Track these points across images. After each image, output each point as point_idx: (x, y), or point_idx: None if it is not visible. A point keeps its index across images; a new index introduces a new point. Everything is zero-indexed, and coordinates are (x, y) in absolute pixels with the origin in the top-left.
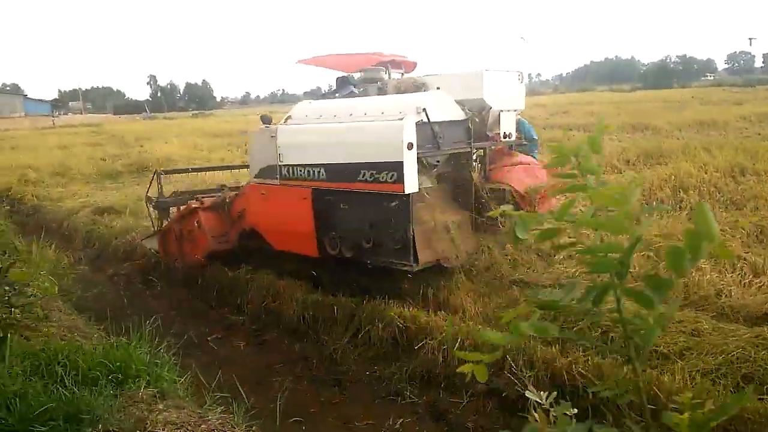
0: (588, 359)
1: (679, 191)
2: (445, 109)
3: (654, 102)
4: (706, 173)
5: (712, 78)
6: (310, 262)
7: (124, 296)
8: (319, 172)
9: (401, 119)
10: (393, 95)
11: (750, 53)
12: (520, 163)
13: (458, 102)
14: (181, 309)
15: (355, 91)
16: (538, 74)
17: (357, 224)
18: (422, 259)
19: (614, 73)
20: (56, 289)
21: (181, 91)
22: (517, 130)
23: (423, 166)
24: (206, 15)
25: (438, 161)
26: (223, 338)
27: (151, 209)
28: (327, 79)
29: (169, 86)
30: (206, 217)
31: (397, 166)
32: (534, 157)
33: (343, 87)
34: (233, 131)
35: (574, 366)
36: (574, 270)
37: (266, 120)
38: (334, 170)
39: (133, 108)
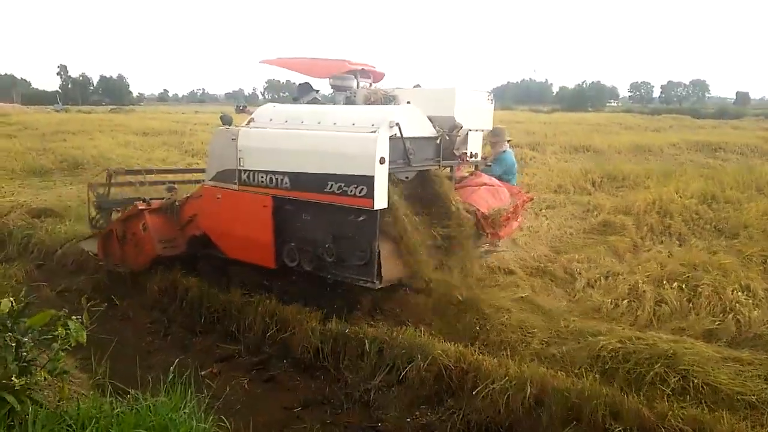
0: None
1: (665, 217)
2: (417, 125)
3: (579, 124)
4: (681, 198)
5: (616, 104)
6: (262, 272)
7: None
8: (282, 180)
9: (374, 132)
10: (365, 106)
11: (650, 83)
12: (485, 185)
13: (428, 118)
14: (157, 336)
15: (318, 97)
16: None
17: (319, 237)
18: (386, 277)
19: (529, 94)
20: (84, 334)
21: (95, 84)
22: (498, 160)
23: (392, 182)
24: (122, 4)
25: (407, 177)
26: (220, 373)
27: (92, 210)
28: (252, 82)
29: (81, 78)
30: (153, 220)
31: (368, 181)
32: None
33: (306, 93)
34: (163, 129)
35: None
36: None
37: (226, 120)
38: (300, 179)
39: (42, 98)
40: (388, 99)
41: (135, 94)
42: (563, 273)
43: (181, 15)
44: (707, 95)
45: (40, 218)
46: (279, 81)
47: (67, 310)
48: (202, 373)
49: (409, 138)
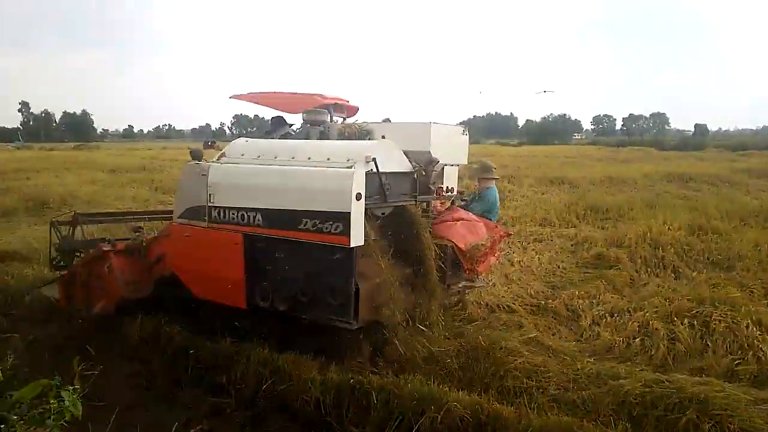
0: None
1: (657, 249)
2: (393, 160)
3: (548, 156)
4: (670, 230)
5: (580, 137)
6: (235, 313)
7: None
8: (254, 216)
9: (350, 167)
10: (340, 141)
11: (612, 116)
12: (462, 219)
13: (404, 153)
14: (140, 389)
15: (292, 132)
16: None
17: (293, 276)
18: (363, 317)
19: (494, 127)
20: (80, 407)
21: (58, 120)
22: (483, 195)
23: (368, 218)
24: (83, 38)
25: (383, 213)
26: (210, 431)
27: (53, 251)
28: (220, 116)
29: (44, 114)
30: (118, 262)
31: (344, 217)
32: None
33: (280, 127)
34: (131, 166)
35: None
36: None
37: (196, 155)
38: (272, 216)
39: (3, 135)
40: (363, 133)
41: (99, 130)
42: (565, 310)
43: (144, 49)
44: (667, 127)
45: (4, 262)
46: (247, 116)
47: (60, 378)
48: (192, 431)
49: (386, 173)
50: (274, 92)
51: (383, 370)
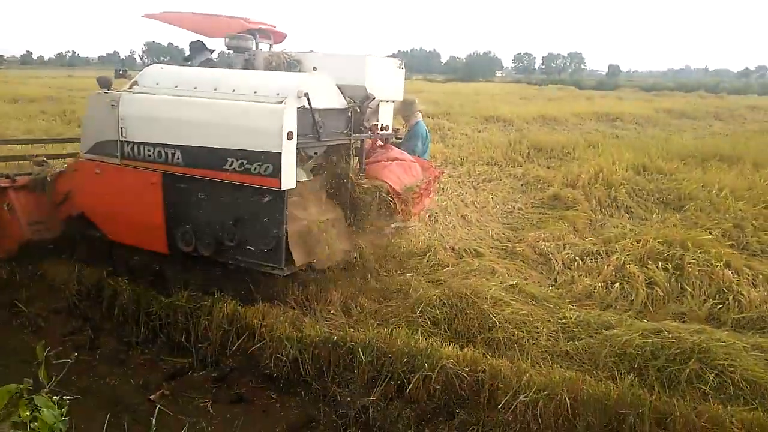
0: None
1: (610, 189)
2: (326, 96)
3: (478, 94)
4: (617, 170)
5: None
6: (154, 258)
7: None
8: (173, 154)
9: (280, 103)
10: (269, 72)
11: (532, 54)
12: (396, 159)
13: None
14: (83, 350)
15: (213, 58)
16: None
17: (218, 219)
18: (296, 262)
19: (416, 63)
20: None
21: None
22: (414, 133)
23: (299, 158)
24: None
25: (315, 153)
26: (172, 395)
27: None
28: (129, 44)
29: None
30: (20, 199)
31: (274, 158)
32: (425, 158)
33: (199, 53)
34: (37, 96)
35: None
36: None
37: (104, 83)
38: (194, 154)
39: None
40: (292, 64)
41: None
42: (533, 253)
43: None
44: (583, 67)
45: None
46: (160, 44)
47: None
48: (151, 397)
49: (319, 109)
50: (193, 13)
51: (361, 322)
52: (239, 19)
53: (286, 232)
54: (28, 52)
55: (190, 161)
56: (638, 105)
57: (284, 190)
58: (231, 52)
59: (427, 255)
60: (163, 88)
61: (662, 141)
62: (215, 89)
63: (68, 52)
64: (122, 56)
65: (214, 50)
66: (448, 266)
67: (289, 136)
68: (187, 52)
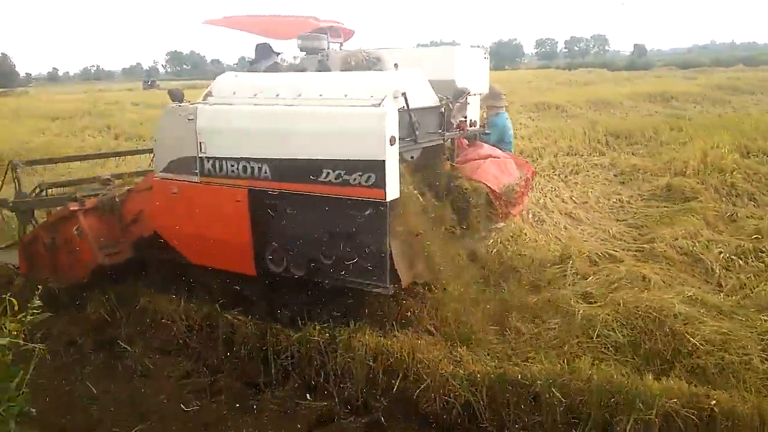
0: None
1: (725, 175)
2: (420, 94)
3: (512, 82)
4: (725, 153)
5: (525, 61)
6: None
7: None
8: (260, 168)
9: (378, 105)
10: (356, 73)
11: (554, 39)
12: (490, 156)
13: None
14: (202, 394)
15: (280, 62)
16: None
17: (312, 236)
18: (402, 281)
19: None
20: None
21: None
22: (497, 125)
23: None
24: None
25: (412, 157)
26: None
27: (6, 212)
28: (152, 54)
29: None
30: (89, 222)
31: (377, 167)
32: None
33: (266, 57)
34: (74, 111)
35: None
36: None
37: (177, 96)
38: (283, 167)
39: None
40: (371, 62)
41: (22, 74)
42: (676, 254)
43: None
44: (607, 48)
45: None
46: (181, 53)
47: None
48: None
49: (414, 109)
50: (258, 16)
51: (525, 351)
52: (308, 19)
53: (390, 248)
54: (54, 69)
55: (279, 175)
56: (682, 83)
57: (388, 202)
58: (304, 54)
59: (564, 263)
60: (241, 97)
61: (742, 119)
62: (299, 95)
63: (92, 66)
64: (145, 67)
65: (280, 53)
66: (589, 275)
67: (392, 141)
68: (203, 59)
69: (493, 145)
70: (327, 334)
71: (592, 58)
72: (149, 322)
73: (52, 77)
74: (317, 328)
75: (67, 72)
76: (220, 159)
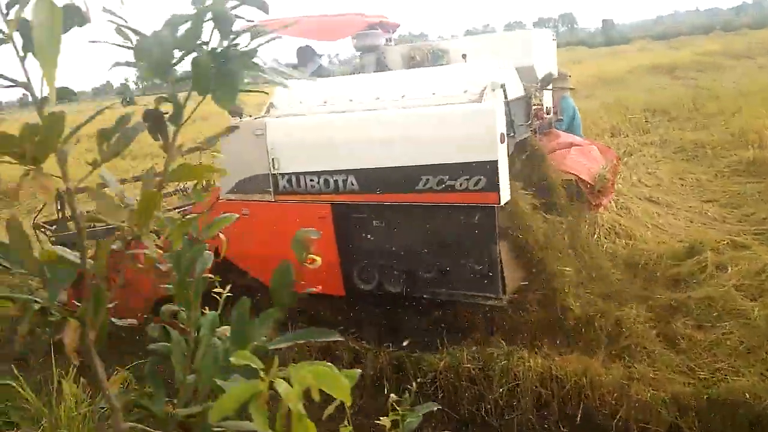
0: None
1: None
2: (512, 84)
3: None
4: None
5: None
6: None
7: None
8: (345, 181)
9: (478, 100)
10: (443, 68)
11: (521, 21)
12: (573, 145)
13: None
14: None
15: (324, 65)
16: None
17: (409, 249)
18: (510, 287)
19: None
20: None
21: None
22: (565, 109)
23: None
24: None
25: (510, 153)
26: None
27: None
28: (122, 72)
29: None
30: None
31: (488, 168)
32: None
33: (309, 59)
34: (83, 134)
35: None
36: None
37: (237, 111)
38: (373, 177)
39: None
40: (437, 56)
41: None
42: None
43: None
44: (575, 26)
45: None
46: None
47: None
48: None
49: (509, 101)
50: (302, 17)
51: (717, 363)
52: (356, 16)
53: (500, 253)
54: (24, 95)
55: (368, 185)
56: (672, 54)
57: (495, 206)
58: (361, 53)
59: (696, 255)
60: (310, 105)
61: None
62: (378, 98)
63: (62, 88)
64: (116, 85)
65: (322, 55)
66: (727, 266)
67: (502, 138)
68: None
69: (565, 131)
70: (478, 358)
71: (561, 37)
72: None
73: (24, 103)
74: (465, 352)
75: (36, 96)
76: (297, 174)
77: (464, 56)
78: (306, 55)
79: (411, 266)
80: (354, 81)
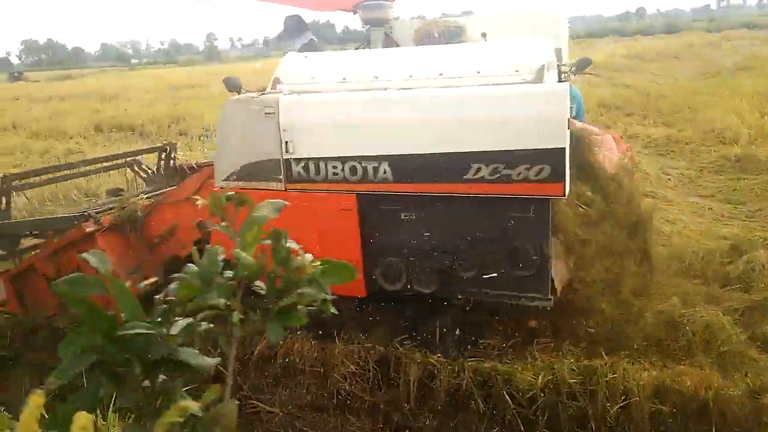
0: None
1: None
2: (553, 67)
3: None
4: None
5: None
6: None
7: None
8: (376, 168)
9: (535, 81)
10: (490, 43)
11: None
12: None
13: None
14: None
15: (315, 39)
16: None
17: (447, 245)
18: (559, 288)
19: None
20: None
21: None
22: (573, 98)
23: None
24: None
25: None
26: None
27: None
28: (4, 44)
29: None
30: (111, 245)
31: (554, 156)
32: None
33: (299, 33)
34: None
35: None
36: None
37: (234, 85)
38: (412, 165)
39: None
40: (453, 33)
41: None
42: None
43: None
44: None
45: None
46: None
47: None
48: None
49: None
50: None
51: None
52: None
53: (551, 251)
54: None
55: (404, 174)
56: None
57: (550, 198)
58: (369, 26)
59: (743, 253)
60: (326, 82)
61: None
62: (411, 76)
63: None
64: None
65: (311, 29)
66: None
67: (570, 124)
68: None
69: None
70: (576, 371)
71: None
72: (280, 370)
73: None
74: (564, 365)
75: None
76: (316, 160)
77: (484, 35)
78: (294, 25)
79: (446, 264)
80: (377, 56)
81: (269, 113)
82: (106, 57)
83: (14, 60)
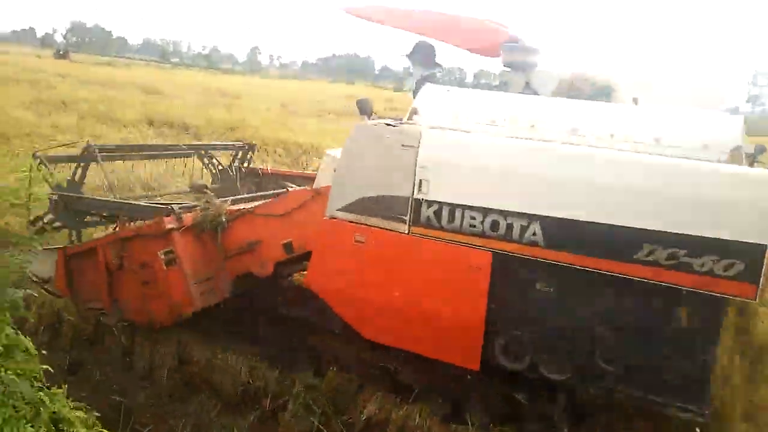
0: None
1: None
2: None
3: None
4: None
5: None
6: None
7: None
8: (524, 228)
9: (733, 162)
10: (674, 110)
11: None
12: None
13: None
14: None
15: (439, 74)
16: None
17: (593, 331)
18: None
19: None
20: None
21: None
22: None
23: None
24: None
25: None
26: None
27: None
28: (51, 21)
29: None
30: (186, 248)
31: (752, 253)
32: None
33: (427, 63)
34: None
35: None
36: None
37: (366, 109)
38: (569, 231)
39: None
40: (601, 90)
41: None
42: None
43: None
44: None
45: None
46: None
47: None
48: None
49: None
50: (426, 12)
51: None
52: (493, 25)
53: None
54: None
55: (559, 242)
56: None
57: (726, 298)
58: (509, 70)
59: None
60: (472, 122)
61: None
62: (575, 131)
63: None
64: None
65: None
66: None
67: None
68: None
69: None
70: None
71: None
72: None
73: None
74: None
75: None
76: (452, 206)
77: (635, 100)
78: (425, 53)
79: (587, 353)
80: (531, 103)
81: (407, 146)
82: (148, 51)
83: (58, 38)
